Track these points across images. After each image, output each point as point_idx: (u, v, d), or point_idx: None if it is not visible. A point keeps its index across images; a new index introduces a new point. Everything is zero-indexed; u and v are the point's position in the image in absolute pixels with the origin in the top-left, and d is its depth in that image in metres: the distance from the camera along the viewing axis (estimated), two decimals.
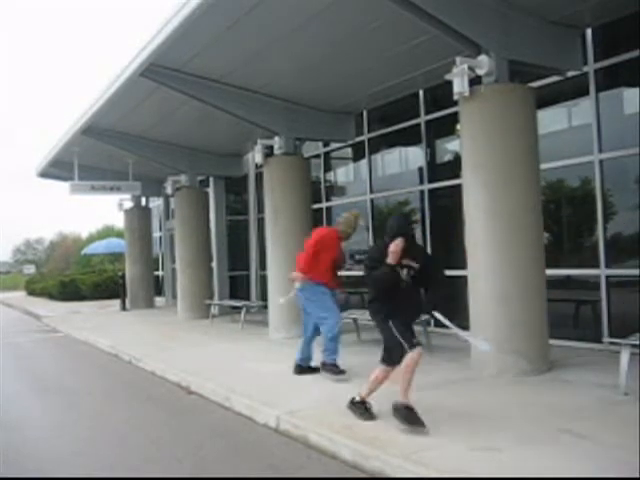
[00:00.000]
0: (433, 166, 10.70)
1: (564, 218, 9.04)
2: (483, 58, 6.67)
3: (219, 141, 14.27)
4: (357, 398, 5.31)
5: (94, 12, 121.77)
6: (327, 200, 13.33)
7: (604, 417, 5.01)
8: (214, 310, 14.10)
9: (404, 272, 5.00)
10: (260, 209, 14.62)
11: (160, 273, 21.56)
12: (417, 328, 8.75)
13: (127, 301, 18.85)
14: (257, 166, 14.37)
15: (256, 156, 11.00)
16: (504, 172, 6.66)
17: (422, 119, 10.58)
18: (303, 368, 7.26)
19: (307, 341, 7.33)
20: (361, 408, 5.26)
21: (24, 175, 76.55)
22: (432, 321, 9.79)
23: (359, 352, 8.69)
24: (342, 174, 13.84)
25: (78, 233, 64.47)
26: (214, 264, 16.42)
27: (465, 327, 7.20)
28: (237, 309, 13.76)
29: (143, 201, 19.61)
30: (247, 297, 15.96)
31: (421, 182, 10.80)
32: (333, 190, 13.51)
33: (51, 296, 27.75)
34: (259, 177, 14.08)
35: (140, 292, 18.77)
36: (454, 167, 9.14)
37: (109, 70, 33.74)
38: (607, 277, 7.84)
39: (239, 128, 11.81)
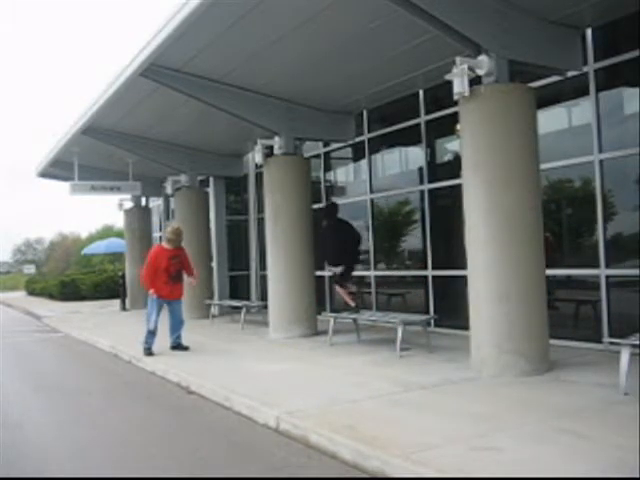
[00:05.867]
0: (433, 166, 10.71)
1: (564, 218, 9.04)
2: (483, 58, 6.67)
3: (219, 141, 14.27)
4: None
5: (94, 12, 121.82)
6: (327, 200, 13.32)
7: (604, 417, 5.01)
8: (214, 310, 14.10)
9: None
10: (260, 209, 14.62)
11: None
12: (417, 328, 8.84)
13: (127, 301, 18.85)
14: (257, 166, 14.38)
15: (256, 156, 10.99)
16: (504, 172, 6.66)
17: (422, 119, 10.58)
18: None
19: None
20: None
21: (24, 175, 76.56)
22: (432, 321, 9.84)
23: (359, 352, 8.70)
24: (342, 174, 13.84)
25: (78, 233, 64.55)
26: (214, 264, 16.42)
27: (465, 327, 7.23)
28: (237, 309, 13.76)
29: (143, 201, 19.61)
30: (247, 297, 15.97)
31: (421, 182, 10.80)
32: (333, 190, 13.51)
33: (51, 296, 27.79)
34: (259, 177, 14.08)
35: (140, 292, 18.64)
36: (454, 167, 9.14)
37: (109, 70, 33.76)
38: (607, 277, 7.84)
39: (239, 128, 11.81)
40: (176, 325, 9.68)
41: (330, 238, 10.15)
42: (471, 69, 6.62)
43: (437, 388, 6.22)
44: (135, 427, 5.99)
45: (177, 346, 9.63)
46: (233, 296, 16.29)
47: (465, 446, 4.38)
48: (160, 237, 21.65)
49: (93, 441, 5.55)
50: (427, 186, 10.63)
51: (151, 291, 9.41)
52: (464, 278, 7.19)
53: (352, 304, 10.01)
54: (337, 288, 10.30)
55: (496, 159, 6.70)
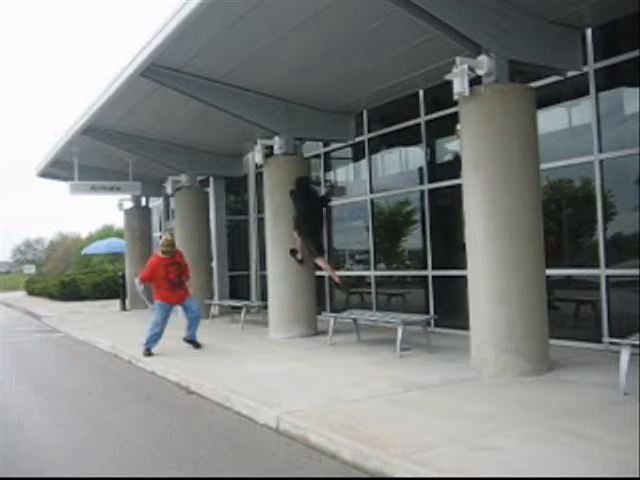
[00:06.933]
0: (433, 166, 10.70)
1: (564, 218, 9.04)
2: (483, 58, 6.67)
3: (219, 141, 14.27)
4: None
5: (94, 12, 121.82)
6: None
7: (604, 417, 5.01)
8: (214, 310, 14.10)
9: None
10: (260, 209, 14.62)
11: None
12: (417, 328, 8.84)
13: (127, 301, 18.86)
14: (257, 166, 14.38)
15: (256, 156, 11.00)
16: (504, 172, 6.66)
17: (422, 119, 10.58)
18: None
19: None
20: None
21: (24, 175, 76.59)
22: (432, 321, 9.84)
23: (359, 352, 8.71)
24: (342, 174, 13.84)
25: (78, 233, 64.51)
26: (214, 264, 16.42)
27: (465, 327, 7.24)
28: (237, 309, 13.76)
29: (143, 201, 19.61)
30: (247, 297, 15.96)
31: (421, 182, 10.80)
32: (333, 190, 13.49)
33: (51, 296, 27.76)
34: (259, 177, 14.08)
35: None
36: (454, 167, 9.14)
37: (109, 70, 33.78)
38: (607, 277, 7.84)
39: (239, 128, 11.82)
40: (194, 320, 9.83)
41: (299, 206, 10.41)
42: (471, 69, 6.62)
43: (437, 388, 6.22)
44: (135, 427, 5.99)
45: (191, 341, 9.76)
46: (233, 296, 16.29)
47: (465, 446, 4.38)
48: (160, 237, 21.64)
49: (93, 441, 5.55)
50: (427, 186, 10.62)
51: (137, 280, 10.00)
52: (464, 278, 7.19)
53: (337, 280, 10.40)
54: (322, 265, 10.46)
55: (496, 159, 6.70)
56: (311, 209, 10.45)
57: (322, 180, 13.37)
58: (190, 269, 10.13)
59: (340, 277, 10.81)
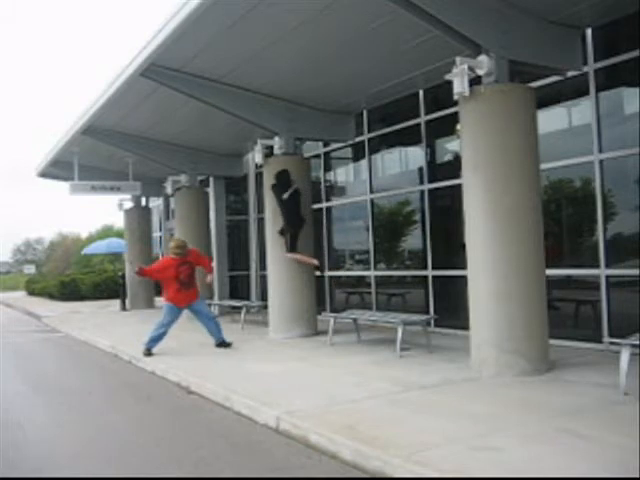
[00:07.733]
0: (433, 166, 10.70)
1: (564, 218, 9.04)
2: (483, 58, 6.67)
3: (219, 141, 14.27)
4: None
5: (94, 12, 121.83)
6: (327, 200, 13.34)
7: (604, 417, 5.01)
8: (214, 310, 14.09)
9: None
10: (260, 209, 14.62)
11: None
12: (417, 328, 8.84)
13: (127, 301, 18.85)
14: (257, 166, 14.38)
15: (256, 156, 11.00)
16: (504, 172, 6.66)
17: (422, 119, 10.58)
18: None
19: None
20: None
21: (24, 175, 76.68)
22: (432, 321, 9.84)
23: (359, 352, 8.71)
24: (342, 174, 13.84)
25: (78, 233, 64.58)
26: (214, 264, 16.39)
27: (465, 327, 7.24)
28: (237, 309, 13.76)
29: (143, 201, 19.61)
30: (247, 297, 15.96)
31: (421, 182, 10.80)
32: (333, 190, 13.51)
33: (51, 296, 27.75)
34: (259, 177, 14.08)
35: (140, 292, 18.76)
36: (454, 167, 9.14)
37: (109, 70, 33.78)
38: (607, 277, 7.84)
39: (239, 128, 11.82)
40: (210, 324, 9.84)
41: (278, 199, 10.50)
42: (471, 69, 6.62)
43: (437, 388, 6.23)
44: (135, 427, 5.99)
45: (221, 344, 9.73)
46: (233, 296, 16.28)
47: (465, 446, 4.38)
48: (160, 237, 21.65)
49: (93, 441, 5.55)
50: (427, 186, 10.63)
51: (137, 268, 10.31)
52: (464, 278, 7.19)
53: (316, 262, 10.51)
54: (297, 257, 10.39)
55: (496, 159, 6.70)
56: (288, 204, 10.43)
57: (322, 180, 13.38)
58: (208, 261, 10.50)
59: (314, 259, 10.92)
